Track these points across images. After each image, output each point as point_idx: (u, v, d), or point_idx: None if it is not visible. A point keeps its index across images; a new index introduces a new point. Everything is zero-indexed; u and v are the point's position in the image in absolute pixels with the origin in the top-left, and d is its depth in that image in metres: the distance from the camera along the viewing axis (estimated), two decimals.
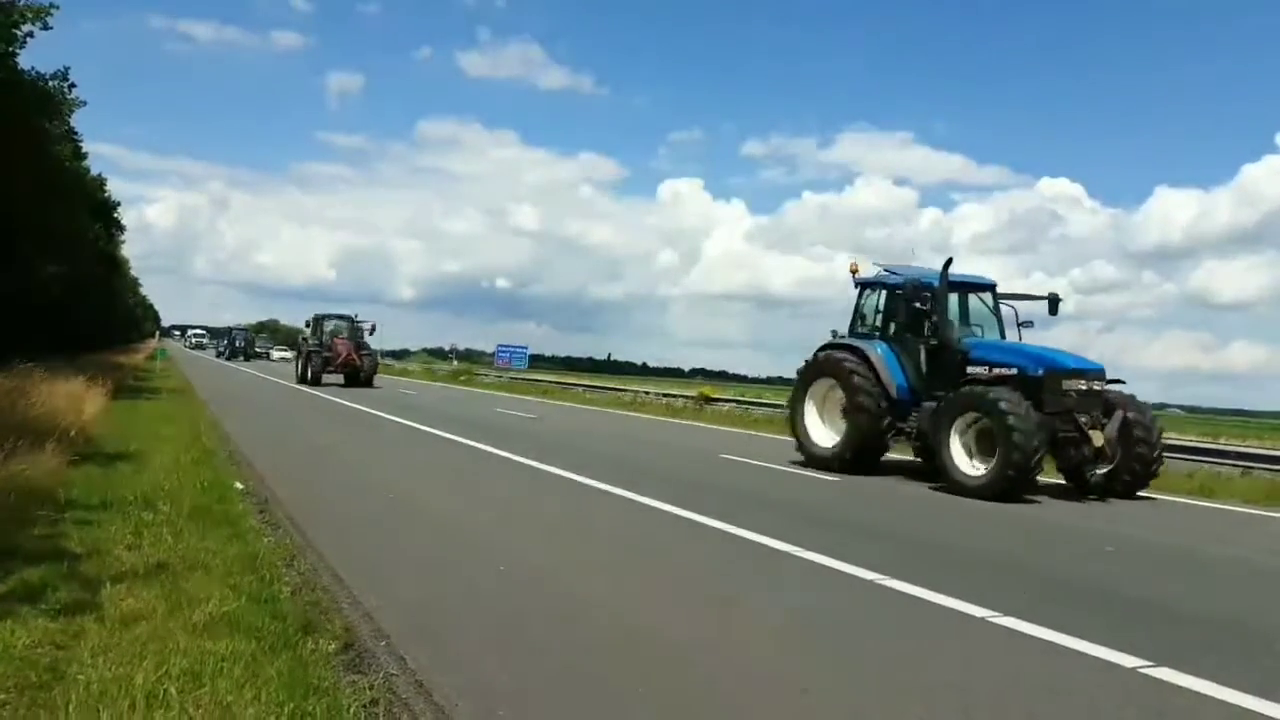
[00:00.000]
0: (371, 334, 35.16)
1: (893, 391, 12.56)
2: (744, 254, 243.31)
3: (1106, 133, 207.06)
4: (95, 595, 4.83)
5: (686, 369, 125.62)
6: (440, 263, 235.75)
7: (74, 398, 13.44)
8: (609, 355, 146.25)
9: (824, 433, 13.31)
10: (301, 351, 34.43)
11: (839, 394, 13.00)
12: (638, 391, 34.23)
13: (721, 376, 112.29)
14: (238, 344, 73.80)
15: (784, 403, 29.04)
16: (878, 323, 13.53)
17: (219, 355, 75.15)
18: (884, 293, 13.53)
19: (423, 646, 4.55)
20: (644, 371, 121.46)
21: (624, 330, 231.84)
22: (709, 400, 29.22)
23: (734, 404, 28.60)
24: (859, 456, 12.61)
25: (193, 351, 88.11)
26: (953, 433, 11.35)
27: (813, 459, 13.12)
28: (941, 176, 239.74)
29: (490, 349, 63.20)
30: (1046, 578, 7.03)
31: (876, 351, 12.85)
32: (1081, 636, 5.06)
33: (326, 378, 31.88)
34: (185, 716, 3.46)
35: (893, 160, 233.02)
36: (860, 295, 13.86)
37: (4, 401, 10.73)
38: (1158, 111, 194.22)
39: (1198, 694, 4.32)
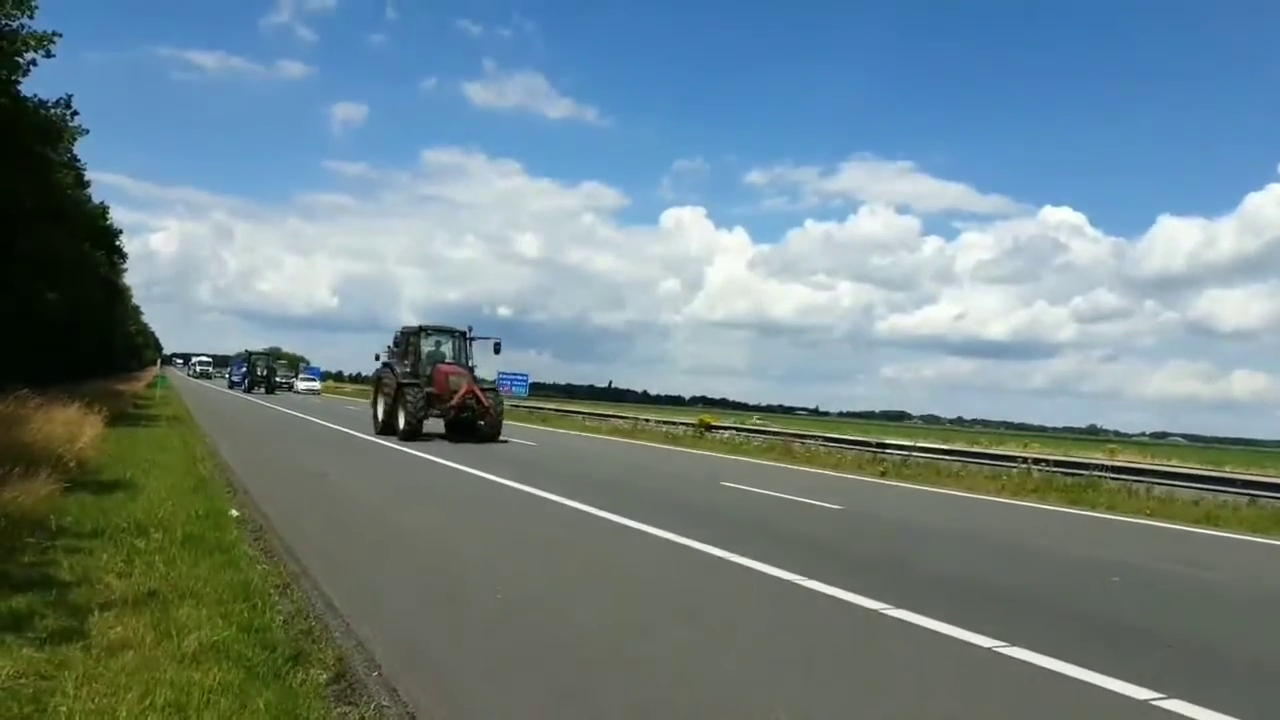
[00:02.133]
0: (496, 354, 24.48)
1: None
2: (746, 281, 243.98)
3: (1109, 162, 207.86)
4: (83, 624, 4.73)
5: (687, 396, 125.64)
6: (442, 290, 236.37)
7: (71, 424, 13.36)
8: (610, 383, 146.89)
9: None
10: (385, 386, 22.60)
11: None
12: (637, 419, 34.12)
13: (722, 404, 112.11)
14: (259, 372, 60.15)
15: (783, 430, 29.15)
16: None
17: (231, 386, 63.71)
18: None
19: (416, 677, 4.45)
20: (645, 399, 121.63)
21: (626, 358, 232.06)
22: (709, 428, 29.14)
23: (733, 431, 28.54)
24: None
25: (197, 381, 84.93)
26: None
27: None
28: (944, 205, 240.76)
29: (491, 377, 62.33)
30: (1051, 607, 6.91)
31: None
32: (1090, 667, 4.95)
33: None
34: None
35: (895, 189, 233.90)
36: None
37: None
38: (1161, 140, 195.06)
39: None
